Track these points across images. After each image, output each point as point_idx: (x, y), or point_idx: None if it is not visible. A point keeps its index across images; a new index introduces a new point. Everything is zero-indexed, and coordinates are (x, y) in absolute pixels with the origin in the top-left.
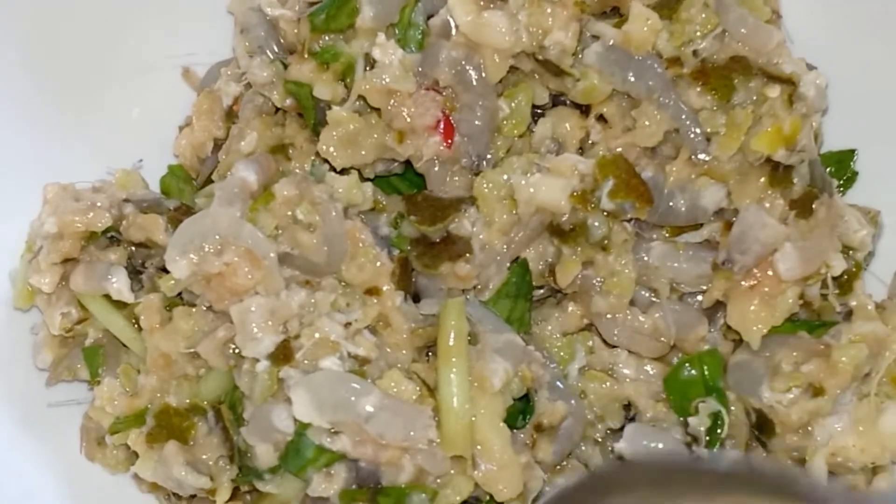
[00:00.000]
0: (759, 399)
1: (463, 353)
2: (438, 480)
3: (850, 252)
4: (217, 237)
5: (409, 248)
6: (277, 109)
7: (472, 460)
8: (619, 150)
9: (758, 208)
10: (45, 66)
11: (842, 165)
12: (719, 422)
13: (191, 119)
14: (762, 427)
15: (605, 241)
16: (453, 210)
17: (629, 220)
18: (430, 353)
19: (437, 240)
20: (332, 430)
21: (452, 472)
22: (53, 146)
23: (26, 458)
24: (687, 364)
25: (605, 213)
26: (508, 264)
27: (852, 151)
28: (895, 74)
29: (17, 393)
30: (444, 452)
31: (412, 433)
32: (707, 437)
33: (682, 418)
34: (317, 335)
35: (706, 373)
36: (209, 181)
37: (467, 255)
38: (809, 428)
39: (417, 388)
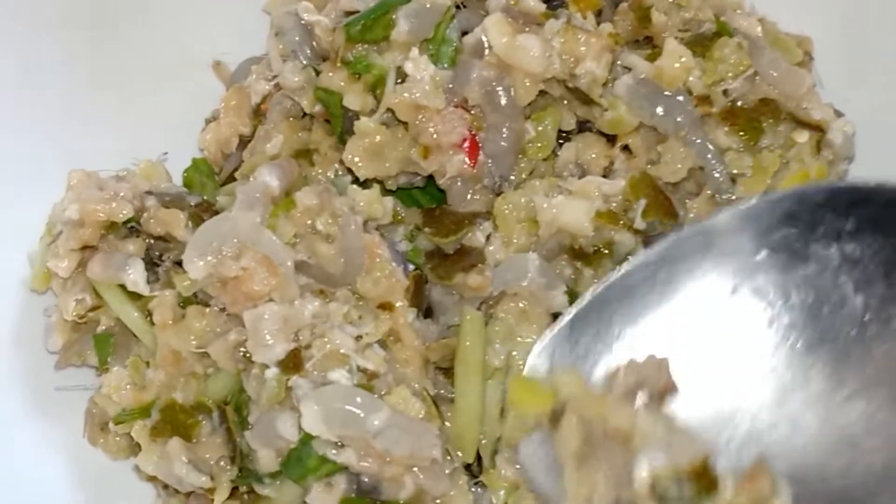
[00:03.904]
0: None
1: (480, 364)
2: (438, 501)
3: None
4: (236, 241)
5: (423, 261)
6: (305, 114)
7: None
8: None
9: None
10: (82, 57)
11: None
12: None
13: (218, 113)
14: None
15: None
16: (468, 223)
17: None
18: (441, 371)
19: (451, 251)
20: (339, 443)
21: (452, 493)
22: (83, 133)
23: (32, 438)
24: None
25: (634, 231)
26: None
27: None
28: None
29: (27, 373)
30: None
31: (417, 451)
32: None
33: None
34: (328, 346)
35: None
36: (231, 178)
37: (480, 265)
38: None
39: (424, 406)
